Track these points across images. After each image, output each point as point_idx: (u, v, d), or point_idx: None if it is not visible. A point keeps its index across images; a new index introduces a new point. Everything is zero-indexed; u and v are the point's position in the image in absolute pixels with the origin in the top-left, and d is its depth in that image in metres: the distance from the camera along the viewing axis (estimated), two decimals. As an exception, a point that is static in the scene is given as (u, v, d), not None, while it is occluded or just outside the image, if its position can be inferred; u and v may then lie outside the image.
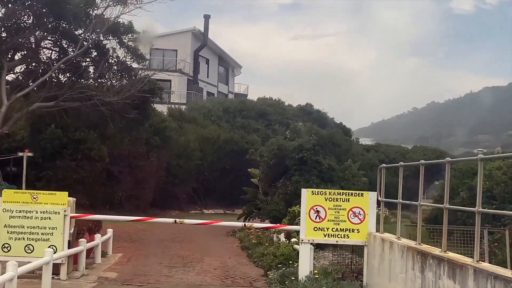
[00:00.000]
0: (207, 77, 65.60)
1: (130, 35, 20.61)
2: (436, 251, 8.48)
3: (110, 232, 16.33)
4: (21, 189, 28.77)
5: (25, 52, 19.45)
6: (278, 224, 16.26)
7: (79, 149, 31.77)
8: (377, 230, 11.72)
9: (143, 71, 21.47)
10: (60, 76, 21.25)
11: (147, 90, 20.60)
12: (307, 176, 23.55)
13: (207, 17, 63.69)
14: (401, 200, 10.78)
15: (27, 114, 20.20)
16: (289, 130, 27.81)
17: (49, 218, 11.75)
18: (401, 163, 11.47)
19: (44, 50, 20.78)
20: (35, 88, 20.07)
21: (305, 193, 11.85)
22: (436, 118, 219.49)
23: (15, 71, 20.54)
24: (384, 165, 11.55)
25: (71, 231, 12.03)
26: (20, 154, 28.63)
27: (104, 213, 33.89)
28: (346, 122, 55.69)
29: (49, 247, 11.65)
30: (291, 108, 54.69)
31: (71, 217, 11.92)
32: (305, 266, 11.46)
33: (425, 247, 9.07)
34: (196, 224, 12.68)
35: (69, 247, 11.90)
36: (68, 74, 20.15)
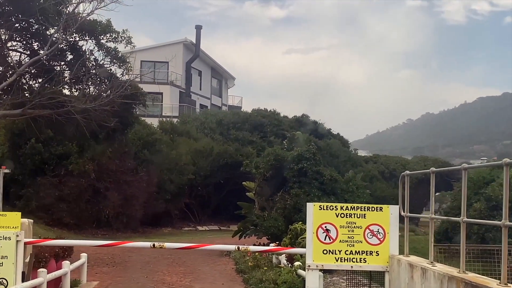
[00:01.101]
0: (200, 89, 63.72)
1: (108, 35, 18.58)
2: (493, 283, 6.35)
3: (83, 257, 14.14)
4: (-2, 208, 26.68)
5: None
6: (279, 247, 14.04)
7: (62, 164, 29.70)
8: (400, 252, 9.59)
9: (124, 75, 19.38)
10: (30, 82, 19.17)
11: (128, 96, 18.52)
12: (308, 189, 21.50)
13: (198, 28, 61.97)
14: (433, 215, 8.74)
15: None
16: (287, 139, 25.74)
17: (-2, 245, 9.63)
18: (432, 168, 9.38)
19: (12, 52, 18.68)
20: (4, 96, 18.00)
21: (311, 208, 9.70)
22: (431, 129, 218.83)
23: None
24: (408, 172, 9.46)
25: (27, 259, 9.88)
26: (-4, 170, 26.57)
27: (91, 232, 31.82)
28: (341, 134, 53.70)
29: (-3, 280, 9.53)
30: (286, 119, 52.78)
31: (25, 243, 9.77)
32: (314, 298, 9.33)
33: (472, 276, 6.93)
34: (179, 248, 10.49)
35: (24, 280, 9.74)
36: (40, 80, 18.04)
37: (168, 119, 47.60)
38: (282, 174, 22.27)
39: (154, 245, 9.66)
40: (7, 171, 26.64)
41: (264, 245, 22.86)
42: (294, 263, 11.77)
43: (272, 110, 54.43)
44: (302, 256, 12.13)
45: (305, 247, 14.01)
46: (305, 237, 14.10)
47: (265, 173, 22.67)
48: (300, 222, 15.78)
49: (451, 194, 39.06)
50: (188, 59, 60.29)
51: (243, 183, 25.94)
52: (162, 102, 57.44)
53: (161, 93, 55.92)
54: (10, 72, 17.09)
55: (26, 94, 17.35)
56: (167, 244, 9.69)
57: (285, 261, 13.06)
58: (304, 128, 46.37)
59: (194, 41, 60.59)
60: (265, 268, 14.59)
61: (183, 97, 59.67)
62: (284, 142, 26.15)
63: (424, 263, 8.47)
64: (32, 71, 18.49)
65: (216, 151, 40.07)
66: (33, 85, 18.81)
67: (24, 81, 18.88)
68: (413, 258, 9.11)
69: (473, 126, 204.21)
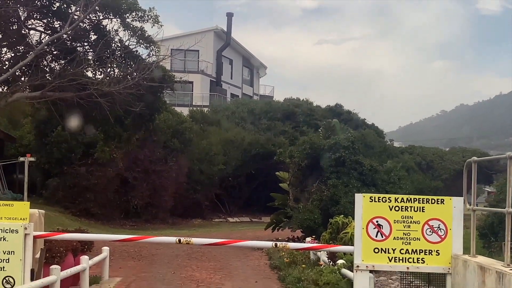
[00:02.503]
0: (231, 78, 62.48)
1: (134, 13, 17.42)
2: None
3: (105, 251, 13.00)
4: (23, 198, 25.89)
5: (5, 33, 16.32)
6: (324, 245, 12.62)
7: (89, 153, 28.81)
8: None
9: (152, 56, 18.18)
10: (52, 64, 18.11)
11: (155, 79, 17.33)
12: (346, 179, 20.12)
13: (229, 16, 60.66)
14: (475, 207, 7.73)
15: (8, 106, 17.12)
16: (322, 127, 24.33)
17: (4, 239, 8.50)
18: (474, 158, 8.17)
19: (33, 32, 17.63)
20: (22, 77, 17.01)
21: (361, 199, 8.37)
22: (466, 120, 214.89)
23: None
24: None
25: (37, 255, 8.76)
26: (22, 159, 25.79)
27: (119, 223, 30.90)
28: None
29: (3, 279, 8.44)
30: (319, 109, 51.34)
31: (35, 237, 8.65)
32: (363, 303, 8.04)
33: None
34: (208, 244, 9.26)
35: (33, 278, 8.62)
36: (62, 62, 16.97)
37: (198, 108, 46.56)
38: (318, 164, 20.94)
39: (179, 240, 8.42)
40: (32, 159, 25.84)
41: (298, 238, 21.61)
42: (337, 261, 10.46)
43: (304, 100, 53.08)
44: (345, 253, 10.82)
45: (347, 244, 12.76)
46: (347, 232, 12.82)
47: (300, 163, 21.35)
48: (342, 216, 14.47)
49: (496, 185, 37.28)
50: (219, 48, 59.09)
51: (277, 173, 24.68)
52: (192, 91, 56.45)
53: (192, 82, 54.91)
54: (30, 53, 16.01)
55: (47, 76, 16.29)
56: (194, 240, 8.43)
57: (326, 258, 11.75)
58: (337, 118, 44.92)
59: (225, 29, 59.34)
60: (303, 265, 13.30)
61: (214, 86, 58.57)
62: (320, 130, 24.76)
63: (498, 265, 7.12)
64: (54, 52, 17.43)
65: (247, 141, 38.92)
66: (54, 67, 17.79)
67: (46, 63, 17.86)
68: (482, 259, 7.76)
69: (508, 117, 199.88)
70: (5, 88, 17.67)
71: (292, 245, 9.61)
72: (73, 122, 23.63)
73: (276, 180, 26.26)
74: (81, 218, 28.28)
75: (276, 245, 8.59)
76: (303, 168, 21.61)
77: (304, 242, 17.88)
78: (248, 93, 65.70)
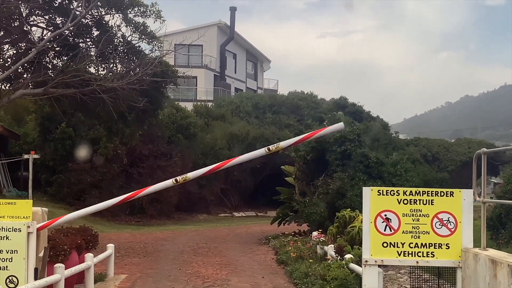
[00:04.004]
0: (235, 72, 62.21)
1: (136, 9, 17.25)
2: None
3: (110, 248, 12.89)
4: (28, 196, 25.82)
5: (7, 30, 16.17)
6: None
7: (93, 149, 28.70)
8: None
9: (154, 51, 18.00)
10: (54, 61, 17.97)
11: (158, 74, 17.17)
12: (352, 172, 19.94)
13: (233, 10, 60.32)
14: (485, 199, 7.81)
15: (11, 104, 17.01)
16: (327, 120, 24.16)
17: (7, 238, 8.39)
18: (484, 149, 8.05)
19: (35, 28, 17.48)
20: (24, 74, 16.88)
21: (369, 193, 8.22)
22: (471, 111, 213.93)
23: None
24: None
25: (40, 254, 8.65)
26: (26, 156, 25.72)
27: (124, 219, 30.75)
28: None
29: (7, 278, 8.34)
30: (324, 102, 51.12)
31: (38, 229, 8.52)
32: (372, 299, 7.91)
33: None
34: (202, 175, 10.38)
35: (37, 277, 8.51)
36: (64, 58, 16.82)
37: (202, 103, 46.37)
38: (324, 157, 20.78)
39: (176, 180, 9.57)
40: (36, 156, 25.75)
41: (304, 232, 21.46)
42: (345, 256, 10.30)
43: (309, 93, 52.85)
44: (353, 248, 10.69)
45: (354, 238, 12.63)
46: (354, 226, 12.67)
47: (305, 156, 21.20)
48: (349, 209, 14.30)
49: (503, 176, 37.07)
50: (222, 42, 58.83)
51: (282, 167, 24.53)
52: (196, 86, 56.26)
53: (196, 77, 54.69)
54: (32, 50, 15.85)
55: (49, 72, 16.15)
56: (190, 175, 9.90)
57: (333, 253, 11.59)
58: (342, 111, 44.69)
59: (228, 23, 59.08)
60: (310, 260, 13.14)
61: (218, 80, 58.31)
62: (325, 123, 24.58)
63: (509, 258, 6.98)
64: (56, 49, 17.28)
65: (252, 135, 38.72)
66: (57, 64, 17.65)
67: (48, 60, 17.72)
68: (494, 252, 7.62)
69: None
70: (8, 85, 17.55)
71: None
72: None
73: (281, 174, 26.11)
74: (86, 215, 28.15)
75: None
76: (308, 161, 21.46)
77: (311, 236, 17.77)
78: (252, 87, 65.46)
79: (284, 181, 25.27)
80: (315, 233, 16.54)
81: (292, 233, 21.22)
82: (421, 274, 9.48)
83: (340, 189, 19.65)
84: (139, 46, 17.99)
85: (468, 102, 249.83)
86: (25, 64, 15.40)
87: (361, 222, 12.84)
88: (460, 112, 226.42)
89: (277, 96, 52.34)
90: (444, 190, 8.24)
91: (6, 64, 16.93)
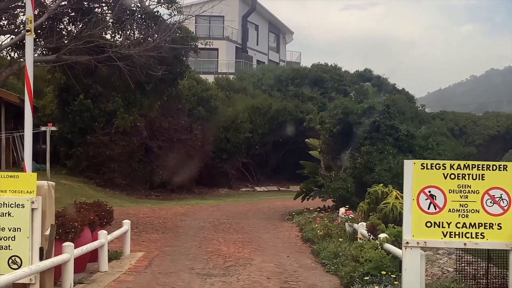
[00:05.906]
0: (257, 44, 61.03)
1: (153, -29, 16.31)
2: None
3: (126, 224, 12.13)
4: (46, 169, 25.28)
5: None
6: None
7: (112, 121, 28.04)
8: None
9: (173, 16, 17.04)
10: (68, 26, 17.12)
11: (177, 41, 16.26)
12: (381, 146, 19.00)
13: (255, -21, 58.97)
14: None
15: (22, 71, 16.20)
16: (354, 91, 23.16)
17: (9, 215, 7.64)
18: None
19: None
20: (36, 40, 16.03)
21: (411, 166, 7.31)
22: (496, 85, 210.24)
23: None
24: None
25: (47, 232, 7.89)
26: (43, 128, 25.18)
27: (144, 193, 30.10)
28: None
29: (9, 259, 7.60)
30: (348, 74, 49.80)
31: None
32: (414, 285, 7.04)
33: None
34: None
35: (43, 258, 7.77)
36: (79, 24, 15.96)
37: (224, 75, 45.46)
38: (351, 130, 19.81)
39: None
40: (54, 128, 25.19)
41: (329, 207, 20.61)
42: (379, 235, 9.42)
43: (332, 65, 51.56)
44: (387, 226, 9.79)
45: (387, 216, 11.74)
46: (388, 202, 11.75)
47: (331, 129, 20.23)
48: (381, 185, 13.37)
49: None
50: (244, 13, 57.62)
51: (306, 140, 23.62)
52: (217, 58, 55.31)
53: (217, 49, 53.71)
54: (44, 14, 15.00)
55: (63, 39, 15.31)
56: None
57: (365, 231, 10.71)
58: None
59: (250, -7, 57.80)
60: (340, 239, 12.28)
61: (240, 52, 57.28)
62: (352, 94, 23.59)
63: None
64: (70, 14, 16.42)
65: (274, 108, 37.78)
66: (71, 29, 16.77)
67: (62, 26, 16.88)
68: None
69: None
70: (18, 52, 16.78)
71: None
72: (99, 91, 22.69)
73: (304, 148, 25.24)
74: (105, 188, 27.62)
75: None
76: (334, 134, 20.52)
77: (337, 213, 16.91)
78: (274, 60, 64.26)
79: (307, 155, 24.42)
80: (342, 210, 15.65)
81: (317, 209, 20.35)
82: (463, 256, 8.61)
83: (368, 163, 18.75)
84: (158, 11, 17.05)
85: (493, 76, 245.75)
86: (38, 30, 14.55)
87: (395, 198, 12.02)
88: (485, 86, 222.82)
89: (300, 69, 51.15)
90: (497, 163, 7.30)
91: (16, 30, 16.12)
